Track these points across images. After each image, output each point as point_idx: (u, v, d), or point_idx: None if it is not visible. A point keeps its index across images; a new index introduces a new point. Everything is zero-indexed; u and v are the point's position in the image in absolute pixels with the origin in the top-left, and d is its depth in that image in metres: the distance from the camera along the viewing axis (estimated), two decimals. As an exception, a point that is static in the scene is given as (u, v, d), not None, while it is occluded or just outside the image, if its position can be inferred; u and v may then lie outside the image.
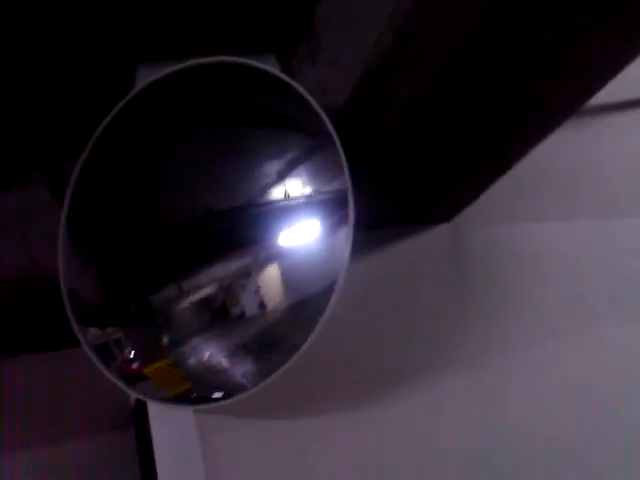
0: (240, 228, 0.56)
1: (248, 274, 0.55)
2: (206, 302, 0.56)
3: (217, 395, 0.53)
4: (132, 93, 0.55)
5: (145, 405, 0.60)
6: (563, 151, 0.81)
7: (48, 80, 0.58)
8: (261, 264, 0.55)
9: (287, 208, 0.55)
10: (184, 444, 0.58)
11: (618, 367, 0.73)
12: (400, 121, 0.55)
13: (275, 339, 0.55)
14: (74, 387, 0.73)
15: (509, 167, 0.65)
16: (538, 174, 0.79)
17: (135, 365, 0.54)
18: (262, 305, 0.54)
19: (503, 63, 0.50)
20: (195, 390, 0.54)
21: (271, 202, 0.56)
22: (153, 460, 0.58)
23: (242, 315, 0.55)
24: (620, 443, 0.68)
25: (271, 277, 0.54)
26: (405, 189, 0.68)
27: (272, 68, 0.52)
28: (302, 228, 0.55)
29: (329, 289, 0.50)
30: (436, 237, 0.75)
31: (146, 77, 0.56)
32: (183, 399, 0.54)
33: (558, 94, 0.56)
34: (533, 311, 0.74)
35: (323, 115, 0.51)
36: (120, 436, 0.72)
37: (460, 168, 0.66)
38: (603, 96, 0.57)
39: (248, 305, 0.54)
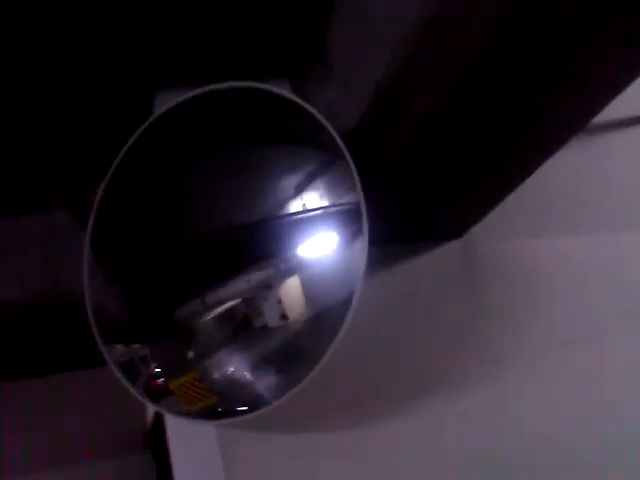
0: (260, 241, 0.57)
1: (269, 286, 0.56)
2: (229, 315, 0.57)
3: (241, 409, 0.53)
4: (152, 118, 0.57)
5: (162, 425, 0.60)
6: (572, 167, 0.83)
7: (69, 107, 0.61)
8: (282, 276, 0.56)
9: (305, 220, 0.57)
10: (205, 460, 0.58)
11: (630, 380, 0.73)
12: (410, 140, 0.57)
13: (296, 351, 0.55)
14: (89, 410, 0.73)
15: (519, 183, 0.67)
16: (548, 190, 0.80)
17: (160, 381, 0.55)
18: (284, 316, 0.55)
19: (512, 81, 0.51)
20: (220, 404, 0.55)
21: (289, 215, 0.57)
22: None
23: (264, 327, 0.56)
24: (631, 456, 0.68)
25: (292, 288, 0.55)
26: (416, 206, 0.70)
27: (287, 92, 0.54)
28: (320, 240, 0.56)
29: (347, 301, 0.51)
30: (447, 253, 0.76)
31: (165, 102, 0.58)
32: (205, 414, 0.55)
33: (565, 110, 0.57)
34: (545, 325, 0.75)
35: (335, 134, 0.53)
36: (138, 458, 0.72)
37: (470, 185, 0.67)
38: (612, 113, 0.59)
39: (270, 317, 0.55)
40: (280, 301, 0.55)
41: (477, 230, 0.76)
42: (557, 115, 0.58)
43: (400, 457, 0.63)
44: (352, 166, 0.53)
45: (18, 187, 0.64)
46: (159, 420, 0.62)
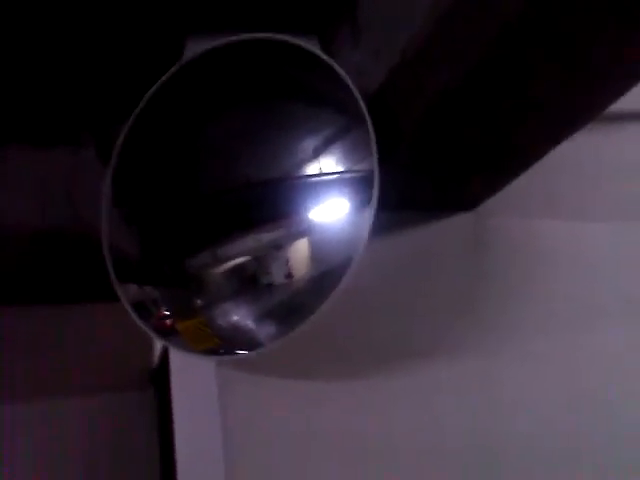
0: (275, 200, 0.59)
1: (280, 246, 0.58)
2: (238, 270, 0.59)
3: (241, 352, 0.56)
4: (180, 63, 0.58)
5: (166, 368, 0.64)
6: (592, 153, 0.82)
7: (101, 47, 0.61)
8: (293, 237, 0.58)
9: (320, 184, 0.58)
10: (203, 399, 0.62)
11: (622, 365, 0.75)
12: (428, 110, 0.57)
13: (297, 306, 0.57)
14: (99, 343, 0.76)
15: (534, 162, 0.67)
16: (564, 173, 0.80)
17: (169, 321, 0.58)
18: (289, 275, 0.57)
19: (540, 54, 0.51)
20: (222, 347, 0.58)
21: (305, 177, 0.58)
22: (172, 421, 0.62)
23: (270, 284, 0.58)
24: (614, 441, 0.70)
25: (300, 250, 0.57)
26: (431, 175, 0.70)
27: (317, 49, 0.55)
28: (331, 204, 0.58)
29: (347, 264, 0.53)
30: (458, 224, 0.77)
31: (195, 48, 0.58)
32: (208, 352, 0.58)
33: (585, 92, 0.57)
34: (544, 304, 0.76)
35: (359, 98, 0.54)
36: (140, 396, 0.75)
37: (485, 159, 0.67)
38: (631, 103, 0.59)
39: (277, 275, 0.57)
40: (288, 261, 0.57)
41: (490, 204, 0.76)
42: (575, 97, 0.57)
43: (391, 410, 0.66)
44: (372, 133, 0.53)
45: (49, 120, 0.66)
46: (165, 359, 0.65)
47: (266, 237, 0.58)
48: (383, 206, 0.53)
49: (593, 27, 0.48)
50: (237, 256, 0.59)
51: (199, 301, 0.59)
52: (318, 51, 0.55)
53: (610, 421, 0.71)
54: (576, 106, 0.59)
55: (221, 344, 0.58)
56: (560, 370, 0.73)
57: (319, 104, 0.59)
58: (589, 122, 0.61)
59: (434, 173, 0.69)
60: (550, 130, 0.63)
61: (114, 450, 0.77)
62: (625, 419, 0.72)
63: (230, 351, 0.58)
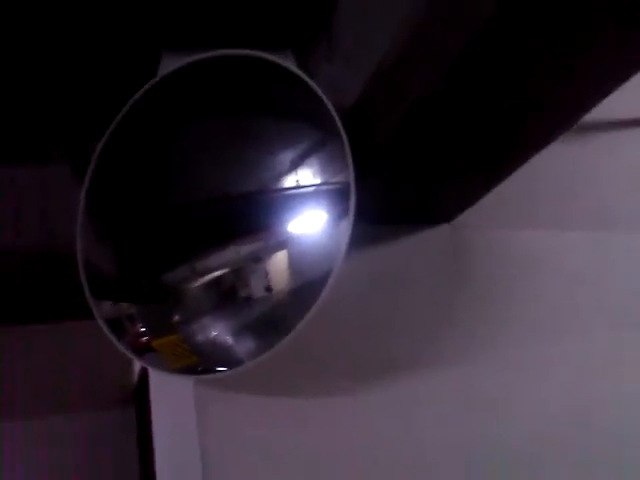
0: (253, 213, 0.58)
1: (259, 259, 0.57)
2: (216, 283, 0.58)
3: (220, 369, 0.55)
4: (156, 79, 0.58)
5: (146, 385, 0.63)
6: (567, 163, 0.83)
7: (75, 60, 0.61)
8: (271, 249, 0.57)
9: (297, 196, 0.58)
10: (182, 417, 0.61)
11: (602, 374, 0.75)
12: (405, 121, 0.58)
13: (277, 320, 0.57)
14: (80, 361, 0.75)
15: (511, 172, 0.68)
16: (540, 183, 0.81)
17: (145, 339, 0.57)
18: (268, 288, 0.57)
19: (511, 65, 0.52)
20: (200, 364, 0.57)
21: (283, 189, 0.58)
22: (151, 437, 0.61)
23: (249, 297, 0.57)
24: (594, 446, 0.71)
25: (279, 262, 0.57)
26: (408, 187, 0.71)
27: (291, 65, 0.55)
28: (309, 217, 0.58)
29: (326, 277, 0.52)
30: (436, 236, 0.77)
31: (170, 64, 0.58)
32: (186, 370, 0.57)
33: (561, 100, 0.58)
34: (524, 315, 0.76)
35: (334, 113, 0.54)
36: (121, 414, 0.74)
37: (461, 170, 0.68)
38: (611, 113, 0.60)
39: (256, 288, 0.57)
40: (267, 273, 0.57)
41: (467, 216, 0.77)
42: (552, 104, 0.58)
43: (372, 424, 0.66)
44: (347, 147, 0.53)
45: (21, 136, 0.65)
46: (145, 376, 0.64)
47: (245, 250, 0.57)
48: (361, 218, 0.54)
49: (568, 31, 0.49)
50: (215, 269, 0.58)
51: (176, 317, 0.58)
52: (292, 67, 0.56)
53: (591, 427, 0.72)
54: (554, 113, 0.60)
55: (199, 362, 0.57)
56: (540, 379, 0.73)
57: (295, 118, 0.59)
58: (565, 129, 0.62)
59: (411, 185, 0.69)
60: (526, 138, 0.64)
61: (95, 467, 0.75)
62: (606, 424, 0.72)
63: (208, 369, 0.57)
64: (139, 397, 0.69)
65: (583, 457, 0.70)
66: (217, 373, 0.56)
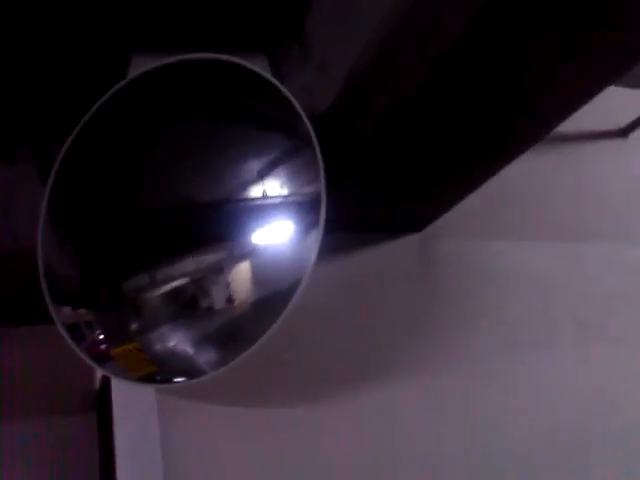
0: (216, 222, 0.58)
1: (221, 269, 0.57)
2: (177, 293, 0.58)
3: (179, 379, 0.55)
4: (124, 81, 0.57)
5: (109, 392, 0.62)
6: (535, 174, 0.84)
7: (43, 61, 0.60)
8: (234, 260, 0.56)
9: (264, 207, 0.57)
10: (144, 424, 0.60)
11: (572, 383, 0.76)
12: (376, 130, 0.58)
13: (238, 331, 0.56)
14: (41, 365, 0.74)
15: (481, 183, 0.68)
16: (510, 194, 0.82)
17: (103, 346, 0.56)
18: (230, 299, 0.56)
19: (482, 76, 0.52)
20: (159, 374, 0.56)
21: (249, 199, 0.57)
22: (113, 445, 0.60)
23: (210, 308, 0.57)
24: (568, 452, 0.71)
25: (242, 273, 0.56)
26: (378, 197, 0.71)
27: (262, 70, 0.54)
28: (276, 227, 0.57)
29: (293, 288, 0.52)
30: (405, 246, 0.78)
31: (140, 66, 0.57)
32: (147, 379, 0.56)
33: (529, 112, 0.58)
34: (495, 324, 0.77)
35: (305, 118, 0.53)
36: (83, 420, 0.73)
37: (432, 180, 0.68)
38: (575, 125, 0.60)
39: (217, 299, 0.56)
40: (229, 285, 0.56)
41: (437, 226, 0.78)
42: (521, 116, 0.58)
43: (344, 434, 0.66)
44: (319, 157, 0.53)
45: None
46: (106, 382, 0.63)
47: (207, 259, 0.57)
48: (332, 228, 0.53)
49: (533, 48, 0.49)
50: (176, 278, 0.57)
51: (134, 325, 0.58)
52: (264, 72, 0.55)
53: (559, 433, 0.72)
54: (523, 125, 0.60)
55: (158, 370, 0.56)
56: (511, 387, 0.73)
57: (266, 125, 0.58)
58: (533, 143, 0.62)
59: (382, 194, 0.69)
60: (497, 150, 0.64)
61: (56, 474, 0.74)
62: (576, 431, 0.73)
63: (167, 379, 0.56)
64: (101, 403, 0.68)
65: (553, 464, 0.71)
66: (176, 383, 0.55)
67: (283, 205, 0.56)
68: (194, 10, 0.59)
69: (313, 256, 0.52)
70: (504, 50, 0.48)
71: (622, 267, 0.86)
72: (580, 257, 0.84)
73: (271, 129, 0.58)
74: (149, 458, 0.59)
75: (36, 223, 0.57)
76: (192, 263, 0.57)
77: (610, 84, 0.55)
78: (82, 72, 0.61)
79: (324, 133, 0.55)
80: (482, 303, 0.77)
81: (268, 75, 0.55)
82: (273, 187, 0.57)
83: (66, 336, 0.54)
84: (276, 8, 0.60)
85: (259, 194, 0.57)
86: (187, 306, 0.57)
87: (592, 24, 0.47)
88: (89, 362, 0.54)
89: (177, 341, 0.57)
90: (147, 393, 0.60)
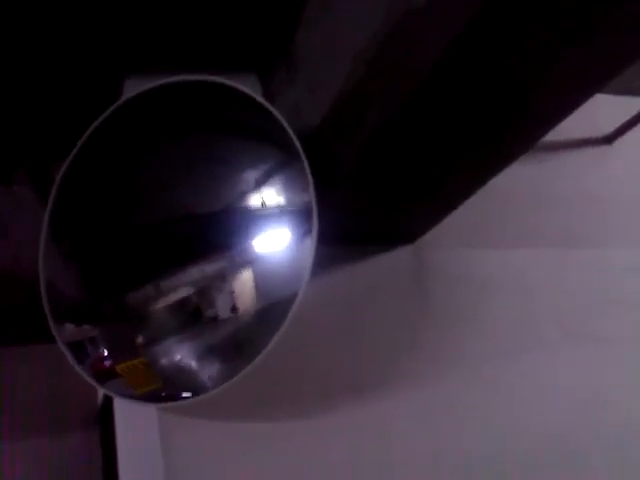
0: (217, 232, 0.58)
1: (224, 277, 0.57)
2: (181, 304, 0.58)
3: (184, 395, 0.55)
4: (120, 102, 0.58)
5: (111, 407, 0.62)
6: (523, 182, 0.86)
7: (38, 84, 0.61)
8: (236, 268, 0.57)
9: (261, 216, 0.58)
10: (146, 442, 0.60)
11: (565, 388, 0.77)
12: (366, 146, 0.59)
13: (242, 342, 0.57)
14: (43, 384, 0.74)
15: (471, 194, 0.69)
16: (500, 204, 0.83)
17: (108, 363, 0.56)
18: (234, 308, 0.57)
19: (466, 95, 0.53)
20: (164, 389, 0.56)
21: (248, 209, 0.58)
22: (116, 461, 0.60)
23: (215, 317, 0.57)
24: (555, 458, 0.72)
25: (245, 281, 0.57)
26: (370, 209, 0.72)
27: (252, 91, 0.55)
28: (274, 236, 0.58)
29: (294, 296, 0.52)
30: (399, 257, 0.79)
31: (134, 87, 0.58)
32: (149, 397, 0.56)
33: (516, 124, 0.60)
34: (486, 334, 0.77)
35: (294, 137, 0.55)
36: (85, 436, 0.73)
37: (422, 193, 0.69)
38: (561, 134, 0.61)
39: (221, 308, 0.57)
40: (232, 293, 0.56)
41: (429, 237, 0.79)
42: (508, 130, 0.60)
43: (342, 447, 0.65)
44: (307, 168, 0.54)
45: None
46: (109, 398, 0.63)
47: (210, 269, 0.57)
48: (325, 239, 0.54)
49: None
50: (180, 289, 0.58)
51: (140, 338, 0.58)
52: (253, 93, 0.56)
53: (550, 437, 0.73)
54: (510, 137, 0.62)
55: (163, 387, 0.56)
56: (503, 394, 0.74)
57: (259, 139, 0.60)
58: (521, 154, 0.64)
59: (374, 206, 0.70)
60: (484, 163, 0.65)
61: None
62: (570, 434, 0.73)
63: (172, 396, 0.56)
64: (104, 419, 0.68)
65: (551, 468, 0.71)
66: (180, 401, 0.55)
67: (280, 214, 0.57)
68: (189, 32, 0.61)
69: (309, 264, 0.53)
70: (490, 67, 0.50)
71: (609, 272, 0.88)
72: (566, 262, 0.85)
73: (264, 144, 0.59)
74: (152, 474, 0.59)
75: (36, 243, 0.58)
76: (196, 273, 0.57)
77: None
78: (77, 94, 0.62)
79: (315, 147, 0.56)
80: (473, 310, 0.78)
81: (256, 95, 0.56)
82: (271, 196, 0.58)
83: (68, 355, 0.54)
84: (266, 30, 0.62)
85: (257, 203, 0.58)
86: (192, 317, 0.58)
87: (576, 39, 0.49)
88: (92, 382, 0.54)
89: (182, 353, 0.57)
90: (149, 409, 0.60)
